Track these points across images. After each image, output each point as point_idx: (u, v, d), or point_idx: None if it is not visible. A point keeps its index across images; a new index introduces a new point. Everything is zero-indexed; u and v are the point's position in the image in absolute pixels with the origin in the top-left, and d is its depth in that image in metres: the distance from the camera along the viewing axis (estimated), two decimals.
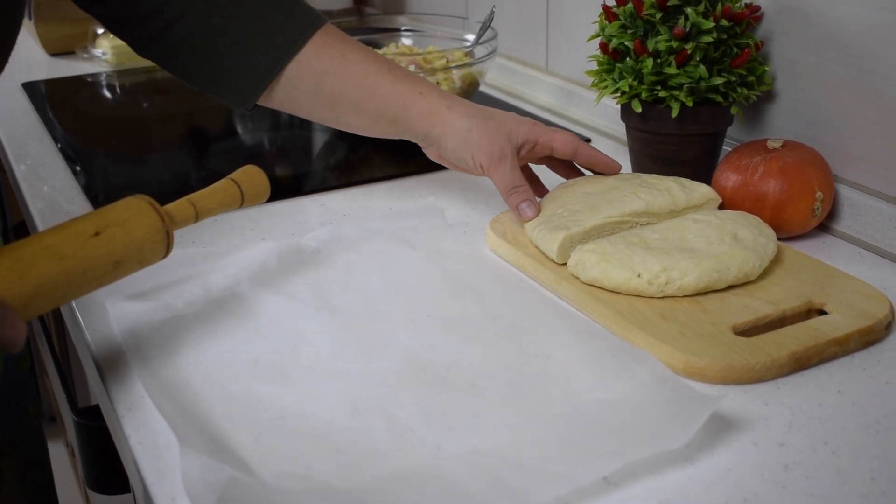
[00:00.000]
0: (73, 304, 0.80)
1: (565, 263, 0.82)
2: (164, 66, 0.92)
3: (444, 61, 1.21)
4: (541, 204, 0.89)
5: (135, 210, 0.67)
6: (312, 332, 0.74)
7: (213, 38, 0.88)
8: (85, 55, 1.62)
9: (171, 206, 0.71)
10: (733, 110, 0.95)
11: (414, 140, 0.92)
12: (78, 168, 1.11)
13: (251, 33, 0.88)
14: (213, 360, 0.71)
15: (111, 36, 1.59)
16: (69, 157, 1.15)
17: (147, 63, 1.58)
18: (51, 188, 1.06)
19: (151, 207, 0.68)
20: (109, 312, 0.77)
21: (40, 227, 0.96)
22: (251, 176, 0.79)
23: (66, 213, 0.99)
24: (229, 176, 0.78)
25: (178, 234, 0.92)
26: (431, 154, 0.93)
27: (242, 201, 0.78)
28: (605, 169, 0.92)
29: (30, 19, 1.66)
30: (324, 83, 0.89)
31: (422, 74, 1.16)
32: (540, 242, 0.84)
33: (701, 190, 0.89)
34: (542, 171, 1.10)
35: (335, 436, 0.62)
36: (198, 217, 0.73)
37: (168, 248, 0.70)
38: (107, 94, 1.50)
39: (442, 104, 0.89)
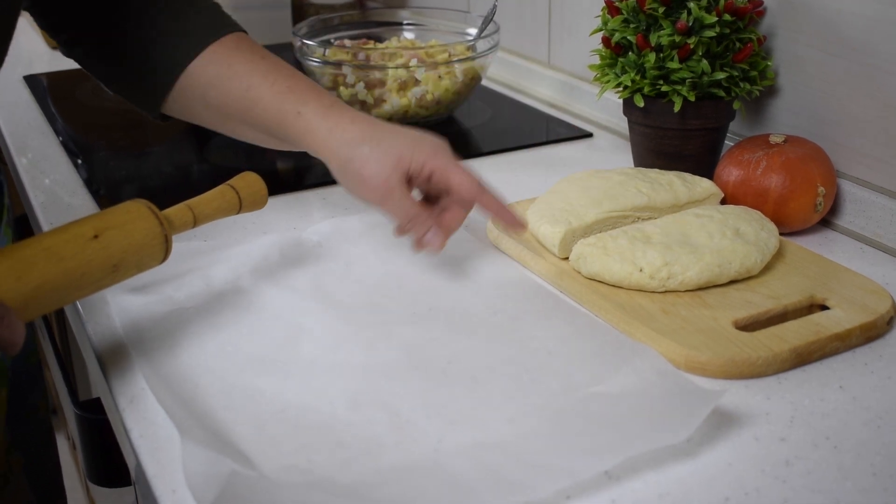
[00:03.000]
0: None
1: (567, 257, 0.82)
2: (88, 68, 0.91)
3: (446, 55, 1.20)
4: (542, 198, 0.89)
5: (134, 214, 0.67)
6: (314, 326, 0.74)
7: (122, 43, 0.86)
8: None
9: (170, 211, 0.71)
10: (735, 105, 0.95)
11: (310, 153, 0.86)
12: (79, 161, 1.11)
13: (153, 41, 0.85)
14: (214, 353, 0.71)
15: None
16: (70, 150, 1.15)
17: None
18: (52, 181, 1.06)
19: (150, 212, 0.68)
20: (111, 305, 0.77)
21: (42, 220, 0.96)
22: (249, 182, 0.79)
23: (67, 206, 0.99)
24: (228, 182, 0.78)
25: None
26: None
27: (240, 208, 0.78)
28: (507, 225, 0.80)
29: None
30: (209, 95, 0.85)
31: (423, 69, 1.16)
32: (542, 237, 0.84)
33: (703, 185, 0.89)
34: (541, 170, 1.10)
35: (336, 429, 0.62)
36: (196, 222, 0.73)
37: (166, 253, 0.70)
38: None
39: (322, 126, 0.81)
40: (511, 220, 0.80)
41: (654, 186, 0.87)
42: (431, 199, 0.83)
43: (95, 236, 0.64)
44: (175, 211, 0.72)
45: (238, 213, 0.78)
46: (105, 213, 0.67)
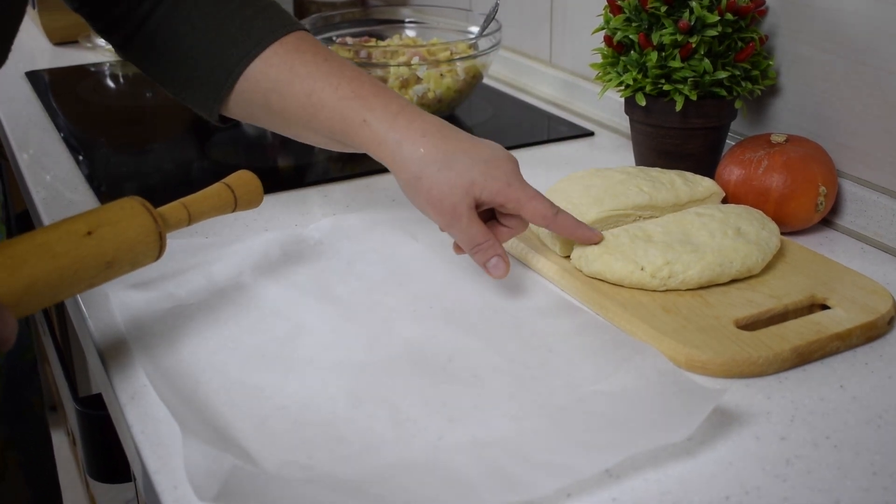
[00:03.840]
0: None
1: (568, 256, 0.82)
2: (144, 70, 0.89)
3: (447, 53, 1.20)
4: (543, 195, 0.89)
5: (128, 211, 0.67)
6: (315, 322, 0.74)
7: (177, 43, 0.84)
8: (88, 44, 1.61)
9: (165, 209, 0.71)
10: (737, 104, 0.95)
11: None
12: (81, 157, 1.11)
13: (209, 42, 0.83)
14: (215, 349, 0.71)
15: None
16: (72, 146, 1.15)
17: None
18: (53, 177, 1.06)
19: (144, 209, 0.68)
20: (112, 301, 0.77)
21: (43, 216, 0.96)
22: (245, 181, 0.78)
23: (68, 202, 0.99)
24: (223, 180, 0.78)
25: None
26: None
27: (235, 206, 0.77)
28: (584, 242, 0.80)
29: (33, 8, 1.66)
30: (271, 100, 0.82)
31: (425, 67, 1.16)
32: (543, 235, 0.84)
33: (704, 184, 0.89)
34: (542, 169, 1.10)
35: (337, 425, 0.62)
36: (191, 220, 0.73)
37: (161, 250, 0.69)
38: (110, 83, 1.50)
39: (390, 138, 0.77)
40: (589, 238, 0.79)
41: (655, 185, 0.87)
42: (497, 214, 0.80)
43: (89, 233, 0.64)
44: (170, 208, 0.72)
45: (233, 211, 0.78)
46: (99, 209, 0.67)
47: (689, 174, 0.90)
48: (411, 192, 0.78)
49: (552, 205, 0.77)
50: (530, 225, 0.85)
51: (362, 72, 0.82)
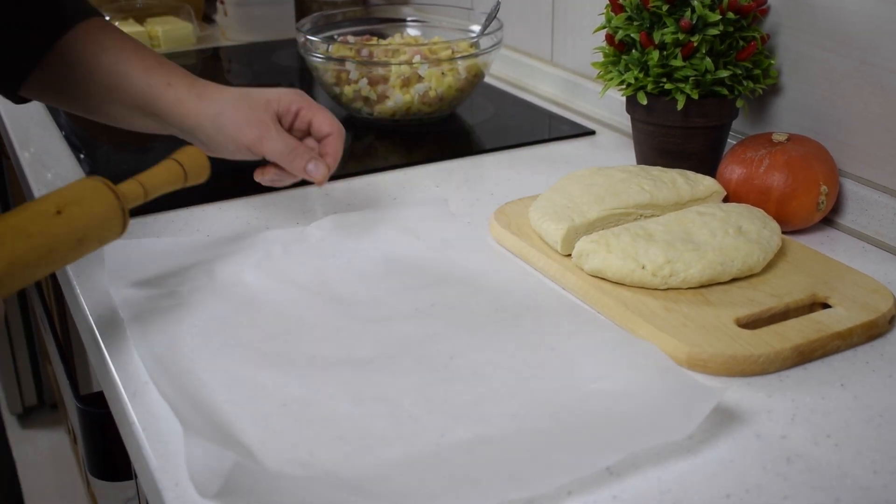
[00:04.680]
0: (77, 291, 0.80)
1: (569, 255, 0.82)
2: None
3: (449, 52, 1.20)
4: (545, 195, 0.89)
5: (92, 190, 0.70)
6: (316, 320, 0.74)
7: None
8: None
9: (122, 186, 0.74)
10: (739, 103, 0.95)
11: (177, 133, 0.88)
12: (82, 155, 1.11)
13: (15, 18, 0.84)
14: (217, 346, 0.71)
15: (116, 23, 1.59)
16: (73, 144, 1.15)
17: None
18: (55, 175, 1.06)
19: (106, 187, 0.71)
20: (114, 299, 0.77)
21: None
22: (192, 155, 0.82)
23: None
24: (172, 155, 0.81)
25: (183, 222, 0.93)
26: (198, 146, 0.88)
27: (186, 179, 0.81)
28: (315, 175, 0.85)
29: None
30: (77, 73, 0.86)
31: (426, 65, 1.16)
32: (544, 233, 0.84)
33: (705, 183, 0.89)
34: (544, 167, 1.10)
35: (338, 423, 0.62)
36: (147, 195, 0.76)
37: (124, 226, 0.72)
38: None
39: (192, 94, 0.85)
40: (321, 175, 0.85)
41: (656, 184, 0.87)
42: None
43: (58, 212, 0.66)
44: (127, 185, 0.75)
45: (184, 185, 0.81)
46: (63, 189, 0.69)
47: (690, 173, 0.90)
48: (216, 130, 0.84)
49: (339, 122, 0.87)
50: (531, 225, 0.85)
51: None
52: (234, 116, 0.83)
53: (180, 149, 0.82)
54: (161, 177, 0.78)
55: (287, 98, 0.86)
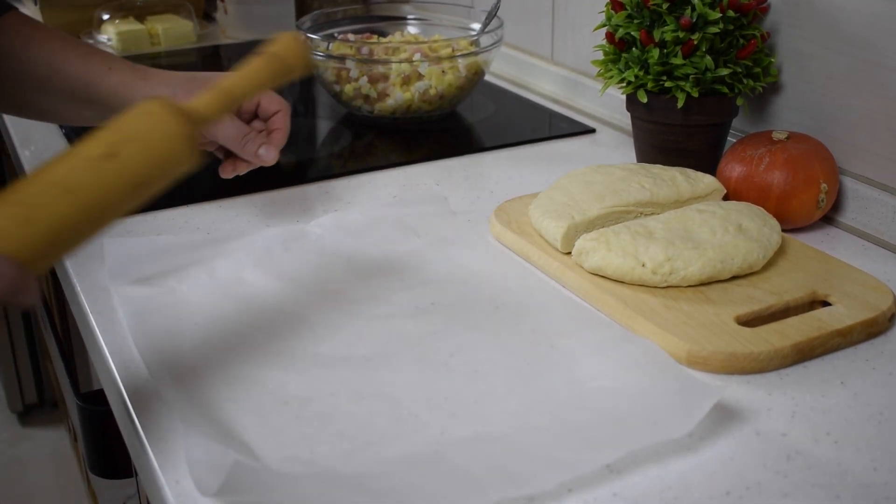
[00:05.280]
0: (78, 288, 0.80)
1: (569, 252, 0.82)
2: None
3: (449, 50, 1.20)
4: (545, 193, 0.89)
5: (151, 118, 0.57)
6: (316, 318, 0.74)
7: None
8: (90, 40, 1.61)
9: (194, 101, 0.62)
10: (739, 101, 0.95)
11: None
12: None
13: None
14: (217, 344, 0.71)
15: (116, 22, 1.59)
16: (74, 141, 1.15)
17: (152, 49, 1.58)
18: None
19: (168, 110, 0.58)
20: (114, 297, 0.77)
21: None
22: (286, 44, 0.68)
23: None
24: (261, 50, 0.68)
25: (183, 219, 0.93)
26: None
27: (278, 74, 0.67)
28: (274, 139, 0.87)
29: (35, 4, 1.66)
30: (6, 66, 0.83)
31: (426, 64, 1.16)
32: (544, 231, 0.84)
33: (705, 181, 0.89)
34: (544, 165, 1.10)
35: (338, 420, 0.62)
36: (226, 104, 0.63)
37: (195, 153, 0.60)
38: None
39: (136, 76, 0.83)
40: (272, 158, 0.85)
41: (656, 182, 0.87)
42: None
43: (109, 154, 0.55)
44: (200, 100, 0.62)
45: (275, 83, 0.68)
46: (117, 123, 0.57)
47: (690, 171, 0.90)
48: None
49: (283, 99, 0.88)
50: (532, 223, 0.85)
51: None
52: (186, 99, 0.81)
53: (272, 39, 0.68)
54: (246, 79, 0.65)
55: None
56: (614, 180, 0.87)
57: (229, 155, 0.89)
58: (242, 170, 0.89)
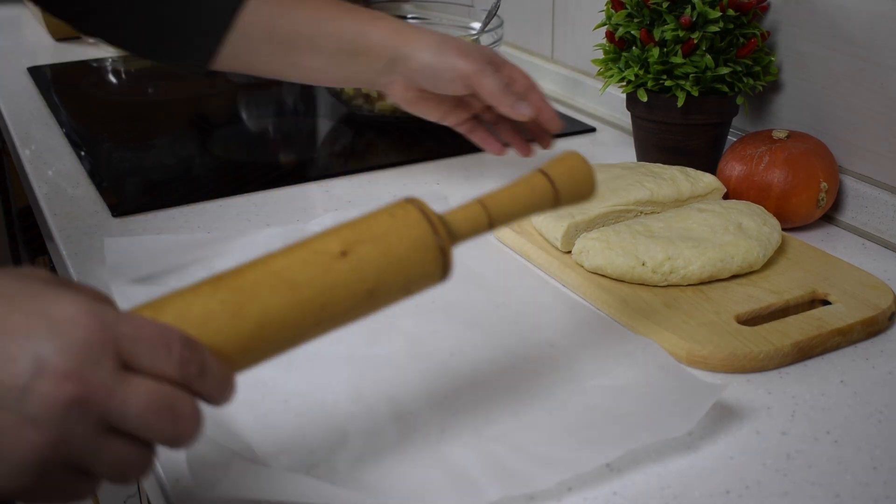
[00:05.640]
0: None
1: (569, 251, 0.82)
2: (110, 40, 0.89)
3: None
4: None
5: (398, 220, 0.51)
6: None
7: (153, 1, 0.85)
8: (91, 40, 1.61)
9: (452, 213, 0.55)
10: (739, 100, 0.95)
11: (374, 77, 0.88)
12: (83, 153, 1.11)
13: None
14: None
15: None
16: (74, 141, 1.15)
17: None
18: (56, 172, 1.06)
19: (421, 215, 0.52)
20: (115, 296, 0.77)
21: (46, 211, 0.96)
22: (567, 166, 0.58)
23: (70, 197, 0.99)
24: (538, 168, 0.59)
25: (183, 218, 0.93)
26: (396, 88, 0.88)
27: (557, 200, 0.58)
28: (545, 120, 0.91)
29: (36, 4, 1.66)
30: (277, 25, 0.86)
31: None
32: (544, 230, 0.84)
33: (705, 180, 0.89)
34: None
35: (338, 419, 0.63)
36: (492, 224, 0.56)
37: (445, 269, 0.53)
38: (112, 79, 1.50)
39: (403, 25, 0.87)
40: (530, 113, 0.87)
41: (656, 181, 0.87)
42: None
43: (343, 253, 0.49)
44: (459, 211, 0.55)
45: (553, 207, 0.58)
46: (361, 220, 0.51)
47: (690, 170, 0.90)
48: (439, 55, 0.84)
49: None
50: (532, 222, 0.85)
51: None
52: (456, 45, 0.85)
53: (553, 158, 0.59)
54: (516, 197, 0.57)
55: (494, 51, 0.88)
56: (614, 178, 0.87)
57: (472, 131, 0.93)
58: (490, 145, 0.93)
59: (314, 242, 0.50)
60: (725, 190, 0.90)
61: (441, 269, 0.52)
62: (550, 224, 0.83)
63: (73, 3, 0.87)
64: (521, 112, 0.85)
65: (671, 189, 0.86)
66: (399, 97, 0.89)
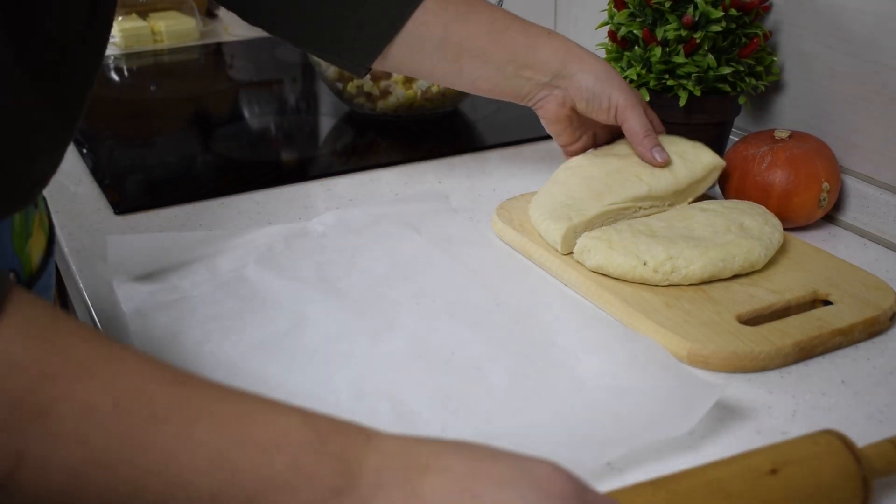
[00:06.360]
0: (80, 285, 0.80)
1: (570, 253, 0.82)
2: (276, 32, 0.90)
3: None
4: (544, 189, 0.89)
5: (822, 447, 0.55)
6: (318, 315, 0.74)
7: None
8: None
9: (870, 448, 0.57)
10: (741, 100, 0.95)
11: (534, 90, 0.89)
12: (85, 150, 1.11)
13: None
14: (218, 341, 0.71)
15: (119, 19, 1.59)
16: (76, 139, 1.15)
17: (155, 47, 1.58)
18: (58, 170, 1.06)
19: (843, 446, 0.55)
20: (116, 293, 0.77)
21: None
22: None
23: (72, 194, 0.99)
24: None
25: (185, 216, 0.93)
26: (551, 102, 0.89)
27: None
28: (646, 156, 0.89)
29: None
30: (451, 31, 0.86)
31: None
32: (544, 232, 0.84)
33: (703, 160, 0.88)
34: (546, 163, 1.10)
35: (340, 417, 0.62)
36: None
37: (866, 500, 0.55)
38: (114, 76, 1.50)
39: (573, 45, 0.88)
40: (665, 162, 0.87)
41: (653, 172, 0.86)
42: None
43: (773, 471, 0.53)
44: (877, 448, 0.57)
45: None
46: (785, 444, 0.56)
47: (688, 148, 0.89)
48: (604, 80, 0.87)
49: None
50: (533, 222, 0.85)
51: None
52: (618, 77, 0.87)
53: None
54: None
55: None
56: (610, 173, 0.86)
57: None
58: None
59: (745, 458, 0.54)
60: (724, 165, 0.89)
61: (862, 499, 0.55)
62: (550, 227, 0.83)
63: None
64: (656, 158, 0.86)
65: (669, 180, 0.86)
66: (551, 111, 0.90)
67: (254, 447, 0.43)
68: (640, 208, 0.85)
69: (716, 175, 0.89)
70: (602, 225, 0.83)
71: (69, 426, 0.40)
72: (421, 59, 0.88)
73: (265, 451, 0.43)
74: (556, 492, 0.45)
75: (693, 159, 0.88)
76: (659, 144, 0.87)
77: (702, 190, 0.89)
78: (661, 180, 0.86)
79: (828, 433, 0.56)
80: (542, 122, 0.93)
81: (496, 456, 0.47)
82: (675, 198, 0.87)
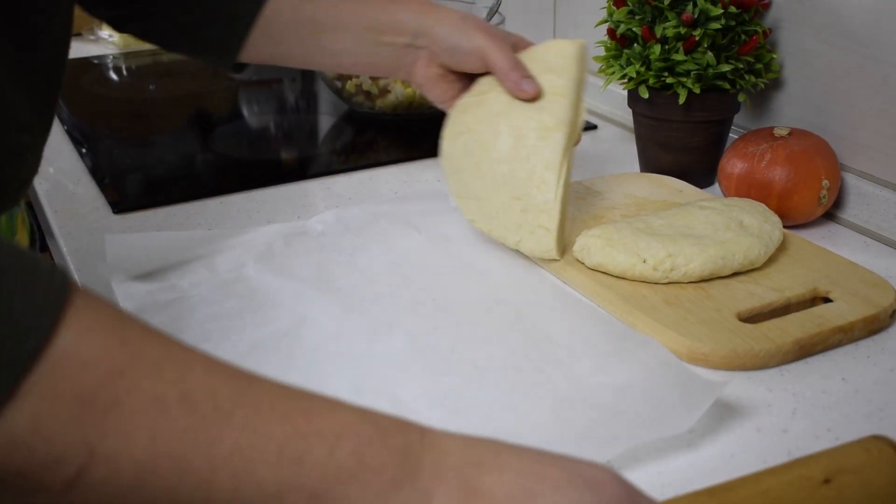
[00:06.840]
0: (79, 284, 0.80)
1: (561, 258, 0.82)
2: (143, 36, 0.91)
3: None
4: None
5: (873, 455, 0.54)
6: (317, 314, 0.74)
7: None
8: (92, 37, 1.62)
9: None
10: (740, 97, 0.95)
11: (399, 57, 0.87)
12: (84, 150, 1.11)
13: None
14: (217, 340, 0.71)
15: None
16: (75, 138, 1.15)
17: (153, 46, 1.58)
18: (57, 170, 1.06)
19: (892, 451, 0.55)
20: (115, 292, 0.77)
21: (46, 207, 0.96)
22: None
23: (71, 194, 0.99)
24: None
25: (184, 215, 0.93)
26: (418, 68, 0.87)
27: None
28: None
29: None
30: (301, 8, 0.86)
31: None
32: (530, 253, 0.82)
33: (567, 53, 0.84)
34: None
35: None
36: None
37: None
38: (113, 76, 1.50)
39: (430, 3, 0.87)
40: (535, 91, 0.83)
41: (542, 105, 0.82)
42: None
43: (826, 480, 0.52)
44: None
45: None
46: (837, 451, 0.55)
47: (550, 56, 0.85)
48: (459, 29, 0.84)
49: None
50: (512, 247, 0.84)
51: None
52: (478, 22, 0.86)
53: None
54: None
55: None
56: (510, 156, 0.83)
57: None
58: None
59: (797, 467, 0.53)
60: (583, 42, 0.85)
61: None
62: (533, 247, 0.81)
63: (109, 4, 0.88)
64: (524, 89, 0.83)
65: (561, 104, 0.82)
66: (421, 74, 0.88)
67: (317, 439, 0.43)
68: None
69: (586, 56, 0.85)
70: (603, 224, 0.83)
71: (139, 420, 0.40)
72: (281, 44, 0.88)
73: (328, 443, 0.43)
74: (611, 496, 0.46)
75: (560, 64, 0.84)
76: (528, 75, 0.83)
77: (584, 75, 0.85)
78: (555, 106, 0.82)
79: (878, 439, 0.55)
80: (420, 90, 0.90)
81: (553, 458, 0.47)
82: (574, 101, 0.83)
